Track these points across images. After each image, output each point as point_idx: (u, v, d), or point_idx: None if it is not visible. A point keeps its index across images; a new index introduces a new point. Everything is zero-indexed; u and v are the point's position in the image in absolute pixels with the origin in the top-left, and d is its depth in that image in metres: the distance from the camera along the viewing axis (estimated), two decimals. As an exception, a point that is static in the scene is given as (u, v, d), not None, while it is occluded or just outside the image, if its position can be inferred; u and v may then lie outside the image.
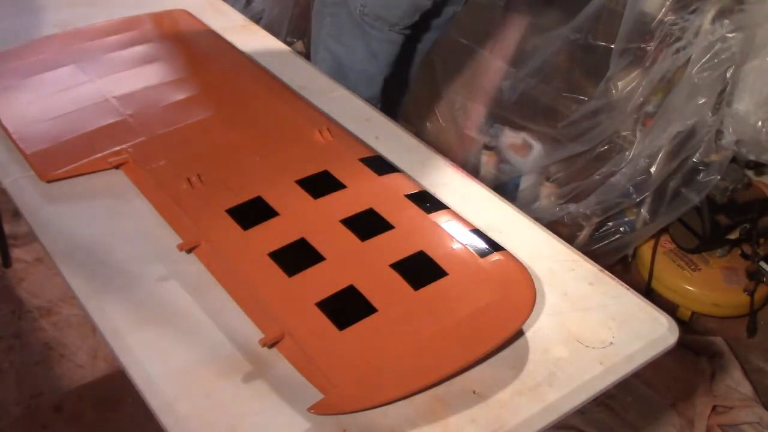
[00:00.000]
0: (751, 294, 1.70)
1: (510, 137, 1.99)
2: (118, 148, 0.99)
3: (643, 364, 0.78)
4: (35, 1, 1.41)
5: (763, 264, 1.72)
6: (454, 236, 0.87)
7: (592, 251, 1.80)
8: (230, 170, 0.95)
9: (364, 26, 1.50)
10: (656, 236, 1.82)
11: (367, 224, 0.87)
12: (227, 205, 0.89)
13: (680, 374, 1.62)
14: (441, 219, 0.90)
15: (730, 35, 1.54)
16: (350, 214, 0.89)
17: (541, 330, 0.80)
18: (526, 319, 0.77)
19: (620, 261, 1.88)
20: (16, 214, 1.64)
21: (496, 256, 0.84)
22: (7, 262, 1.83)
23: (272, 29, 2.37)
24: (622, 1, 1.65)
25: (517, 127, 1.97)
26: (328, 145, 1.02)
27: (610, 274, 0.88)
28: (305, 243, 0.84)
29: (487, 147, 2.03)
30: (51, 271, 1.81)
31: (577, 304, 0.84)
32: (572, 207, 1.80)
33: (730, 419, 1.53)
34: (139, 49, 1.23)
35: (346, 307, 0.77)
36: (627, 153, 1.70)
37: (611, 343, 0.79)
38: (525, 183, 1.97)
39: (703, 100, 1.58)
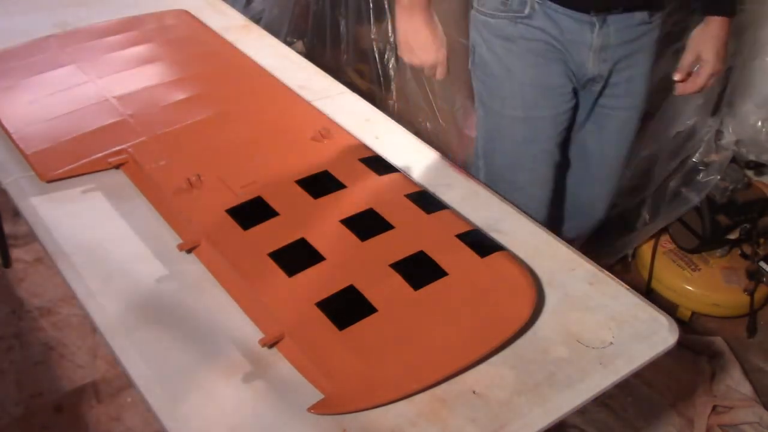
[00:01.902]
0: (751, 294, 1.70)
1: (510, 137, 1.98)
2: (118, 148, 0.99)
3: (643, 364, 0.78)
4: (35, 1, 1.41)
5: (763, 264, 1.72)
6: (454, 236, 0.87)
7: (592, 251, 1.80)
8: (230, 170, 0.95)
9: None
10: (656, 236, 1.81)
11: (367, 224, 0.87)
12: (227, 205, 0.89)
13: (680, 374, 1.62)
14: (441, 219, 0.90)
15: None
16: (350, 214, 0.89)
17: (541, 330, 0.80)
18: (526, 319, 0.77)
19: (620, 261, 1.88)
20: (16, 214, 1.64)
21: (496, 256, 0.84)
22: (7, 262, 1.83)
23: (272, 29, 2.36)
24: (622, 1, 1.65)
25: (517, 127, 1.96)
26: (328, 145, 1.02)
27: (610, 274, 0.88)
28: (305, 243, 0.84)
29: (487, 147, 2.02)
30: (51, 271, 1.81)
31: (577, 304, 0.84)
32: (572, 207, 1.80)
33: (730, 419, 1.53)
34: (139, 49, 1.23)
35: (346, 307, 0.77)
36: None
37: (611, 343, 0.79)
38: (525, 183, 1.97)
39: (703, 100, 1.58)
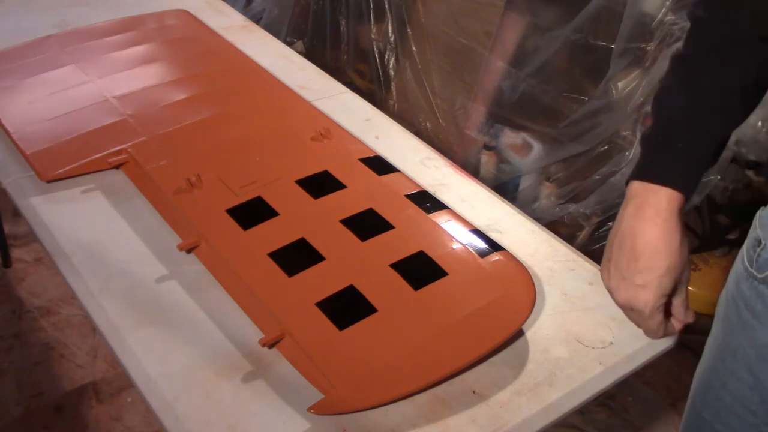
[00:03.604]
0: (751, 294, 1.70)
1: (510, 137, 1.99)
2: (118, 148, 0.99)
3: (643, 364, 0.78)
4: (35, 1, 1.41)
5: (763, 264, 1.72)
6: (454, 236, 0.87)
7: (592, 251, 1.80)
8: (230, 170, 0.95)
9: None
10: (656, 236, 1.82)
11: (367, 224, 0.87)
12: (227, 205, 0.89)
13: (680, 374, 1.62)
14: (441, 219, 0.90)
15: (730, 35, 1.54)
16: (350, 214, 0.89)
17: (541, 330, 0.80)
18: (525, 319, 0.77)
19: (620, 261, 1.88)
20: (16, 214, 1.64)
21: (496, 256, 0.84)
22: (7, 262, 1.83)
23: (272, 29, 2.37)
24: (622, 1, 1.65)
25: (517, 127, 1.97)
26: (328, 145, 1.02)
27: (610, 274, 0.88)
28: (305, 243, 0.84)
29: (487, 147, 2.03)
30: (51, 271, 1.81)
31: (577, 304, 0.84)
32: (572, 207, 1.80)
33: (730, 419, 1.54)
34: (139, 49, 1.23)
35: (346, 307, 0.77)
36: (627, 153, 1.70)
37: (611, 343, 0.79)
38: (525, 183, 1.97)
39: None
